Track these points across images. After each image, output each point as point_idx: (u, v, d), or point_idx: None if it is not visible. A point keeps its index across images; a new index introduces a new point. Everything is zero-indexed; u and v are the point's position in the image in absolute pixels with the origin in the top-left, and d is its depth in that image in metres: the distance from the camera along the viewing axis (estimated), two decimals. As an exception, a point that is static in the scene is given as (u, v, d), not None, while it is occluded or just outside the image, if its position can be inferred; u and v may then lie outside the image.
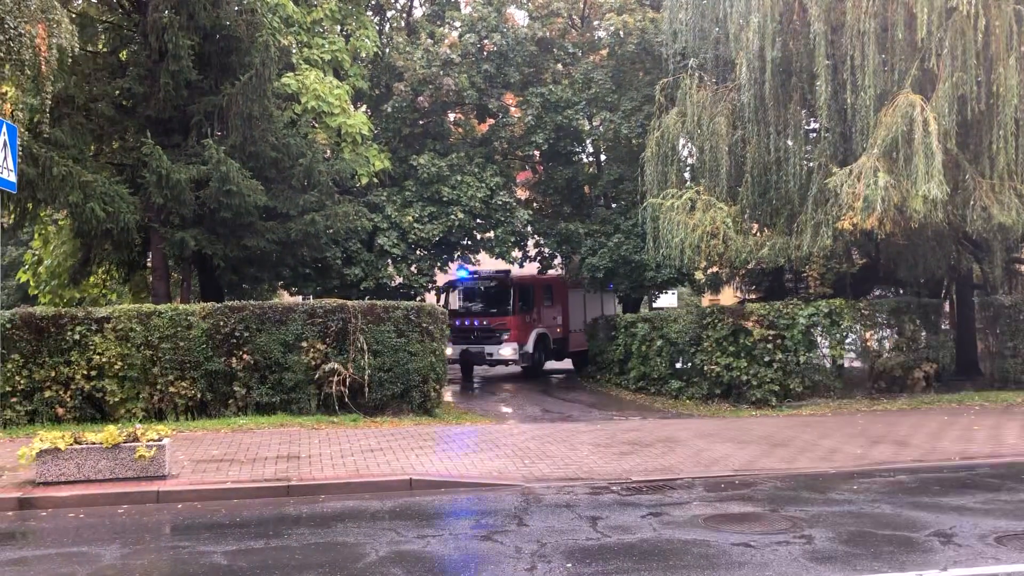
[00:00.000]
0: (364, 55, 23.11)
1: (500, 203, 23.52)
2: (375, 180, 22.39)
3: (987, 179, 15.50)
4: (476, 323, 25.88)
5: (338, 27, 22.74)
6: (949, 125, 15.02)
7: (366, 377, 14.93)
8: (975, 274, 19.54)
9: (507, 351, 25.55)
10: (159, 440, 10.14)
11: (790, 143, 17.93)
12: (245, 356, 14.59)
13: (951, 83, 15.02)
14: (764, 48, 17.10)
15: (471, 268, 26.92)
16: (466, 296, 27.14)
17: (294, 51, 20.93)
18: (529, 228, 26.61)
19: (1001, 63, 15.05)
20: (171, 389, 14.34)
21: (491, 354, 25.44)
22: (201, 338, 14.49)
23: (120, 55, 18.41)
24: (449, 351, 21.54)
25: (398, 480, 10.14)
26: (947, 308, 20.78)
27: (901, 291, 21.09)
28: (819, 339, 17.79)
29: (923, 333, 18.66)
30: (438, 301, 26.03)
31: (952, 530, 7.87)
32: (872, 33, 15.58)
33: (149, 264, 19.44)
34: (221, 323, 14.62)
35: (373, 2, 24.61)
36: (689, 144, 20.70)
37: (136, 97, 17.24)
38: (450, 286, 26.81)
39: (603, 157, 27.68)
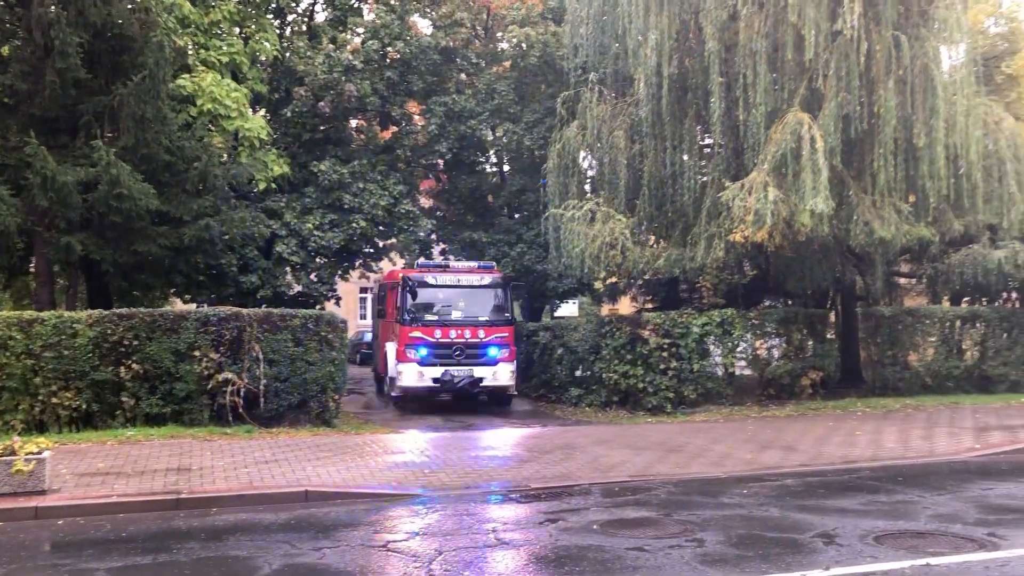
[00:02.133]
0: (264, 58, 22.64)
1: (403, 211, 23.37)
2: (274, 186, 21.92)
3: (869, 195, 16.25)
4: (459, 336, 19.59)
5: (237, 29, 22.22)
6: (835, 143, 15.70)
7: (262, 387, 14.60)
8: (858, 286, 20.48)
9: (505, 375, 19.66)
10: (39, 453, 9.68)
11: (685, 157, 18.47)
12: (134, 365, 14.07)
13: (836, 103, 15.72)
14: (661, 65, 17.56)
15: (441, 260, 22.23)
16: (435, 298, 20.20)
17: (190, 52, 20.34)
18: (433, 236, 26.56)
19: (881, 85, 15.83)
20: (54, 400, 13.70)
21: (481, 380, 19.40)
22: (87, 347, 13.91)
23: (2, 50, 17.54)
24: (416, 376, 19.18)
25: (293, 492, 9.95)
26: (832, 318, 21.67)
27: (790, 302, 21.91)
28: (712, 348, 18.34)
29: (810, 342, 19.44)
30: (385, 302, 21.46)
31: (835, 531, 8.20)
32: (763, 53, 16.17)
33: (32, 269, 18.55)
34: (109, 331, 14.07)
35: (273, 5, 24.17)
36: (589, 156, 21.09)
37: (20, 95, 16.43)
38: (409, 285, 19.74)
39: (506, 167, 27.86)
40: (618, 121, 19.31)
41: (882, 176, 15.96)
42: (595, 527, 8.49)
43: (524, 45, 24.50)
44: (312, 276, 23.32)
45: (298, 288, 23.31)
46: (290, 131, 23.29)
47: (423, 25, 26.70)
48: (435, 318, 19.78)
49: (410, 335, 19.40)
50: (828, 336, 20.41)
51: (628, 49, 18.78)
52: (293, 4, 24.94)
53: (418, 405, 19.96)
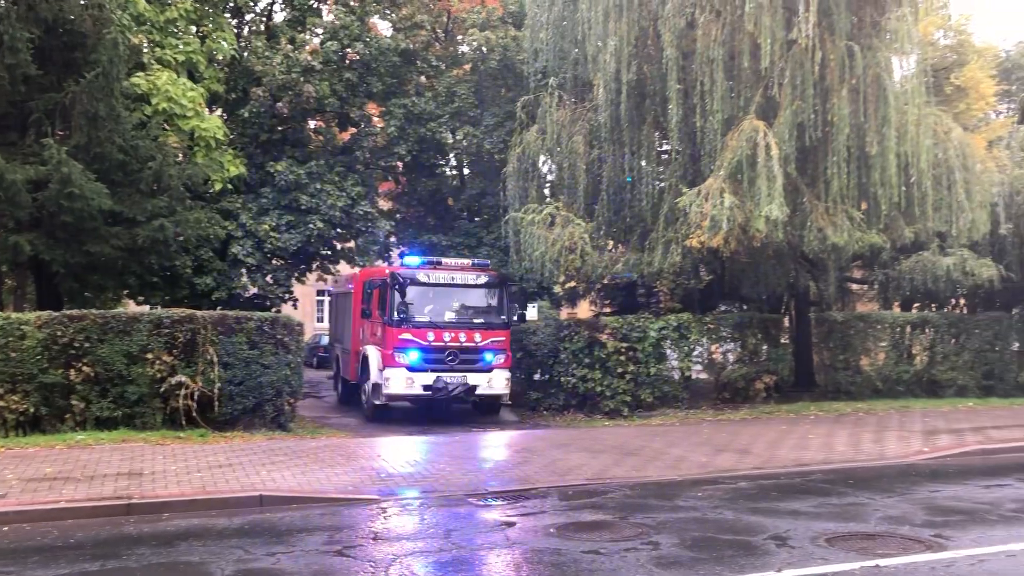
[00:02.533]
0: (221, 58, 22.37)
1: (361, 213, 23.21)
2: (230, 186, 21.66)
3: (823, 202, 16.52)
4: (453, 339, 18.00)
5: (193, 28, 21.94)
6: (789, 150, 15.93)
7: (216, 390, 14.39)
8: (812, 291, 20.80)
9: (500, 383, 18.28)
10: (-16, 458, 9.45)
11: (644, 163, 18.61)
12: (85, 368, 13.77)
13: (791, 111, 15.96)
14: (620, 71, 17.69)
15: (432, 258, 20.03)
16: (427, 298, 18.54)
17: (146, 50, 20.03)
18: (392, 239, 26.42)
19: (835, 94, 16.10)
20: (0, 403, 13.37)
21: (476, 387, 17.95)
22: (36, 349, 13.59)
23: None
24: (404, 383, 17.67)
25: (248, 496, 9.83)
26: (787, 323, 22.00)
27: (745, 307, 22.19)
28: (669, 352, 18.52)
29: (764, 347, 19.69)
30: (369, 301, 19.50)
31: (787, 533, 8.32)
32: (720, 60, 16.36)
33: (-22, 269, 18.13)
34: (59, 333, 13.75)
35: (231, 4, 23.89)
36: (549, 161, 21.16)
37: (-35, 90, 16.08)
38: (399, 282, 18.07)
39: (466, 170, 27.83)
40: (577, 126, 19.41)
41: (835, 183, 16.22)
42: (552, 531, 8.52)
43: (484, 49, 24.51)
44: (268, 278, 23.08)
45: (254, 290, 23.05)
46: (247, 131, 23.04)
47: (383, 27, 26.58)
48: (427, 319, 18.17)
49: (399, 337, 17.83)
50: (782, 341, 20.70)
51: (587, 55, 18.89)
52: (251, 3, 24.68)
53: (389, 412, 19.20)
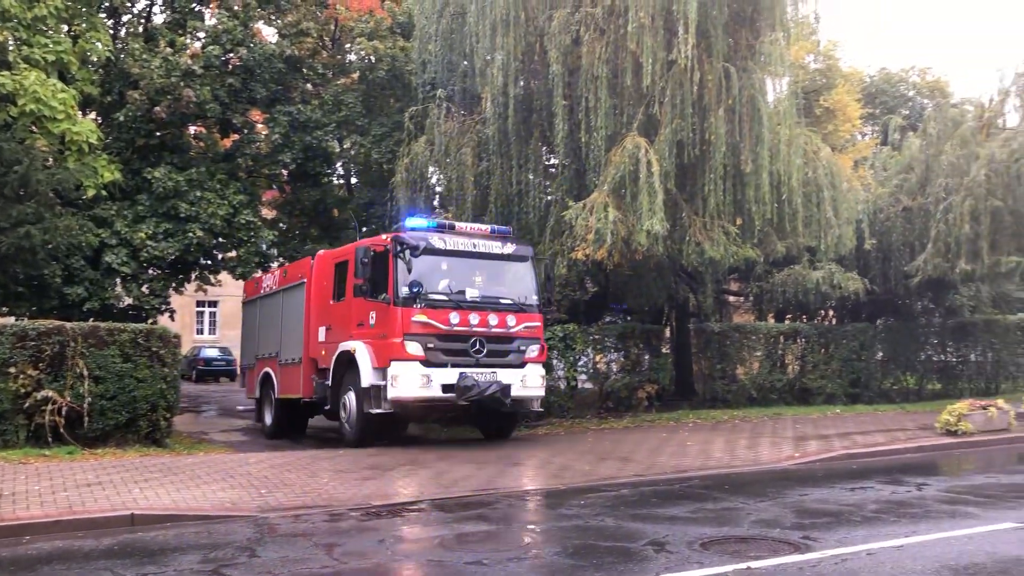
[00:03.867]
0: (96, 59, 21.46)
1: (243, 222, 22.65)
2: (104, 192, 20.77)
3: (700, 217, 17.09)
4: (480, 324, 14.52)
5: (65, 27, 20.97)
6: (670, 167, 16.42)
7: (86, 405, 13.74)
8: (691, 303, 21.47)
9: (535, 379, 15.04)
10: None
11: (531, 176, 18.85)
12: (-61, 384, 12.96)
13: (671, 129, 16.46)
14: (508, 85, 17.89)
15: (442, 220, 16.79)
16: (442, 270, 14.89)
17: (11, 48, 19.00)
18: (275, 250, 25.86)
19: (713, 113, 16.70)
20: None
21: (507, 389, 14.37)
22: None
23: None
24: (419, 381, 13.91)
25: (118, 516, 9.40)
26: (668, 334, 22.64)
27: (629, 317, 22.72)
28: (555, 362, 18.74)
29: (646, 357, 20.21)
30: (365, 279, 14.49)
31: (665, 539, 8.53)
32: (604, 78, 16.76)
33: None
34: (-90, 346, 12.90)
35: (107, 4, 22.96)
36: (438, 172, 21.16)
37: None
38: (406, 249, 14.36)
39: (354, 180, 27.54)
40: (466, 138, 19.49)
41: (712, 199, 16.80)
42: (436, 542, 8.49)
43: (372, 58, 24.36)
44: (144, 288, 22.25)
45: (128, 301, 22.18)
46: (123, 136, 22.18)
47: (268, 33, 26.08)
48: (444, 298, 14.42)
49: (412, 320, 13.99)
50: (663, 351, 21.29)
51: (476, 68, 19.02)
52: (128, 4, 23.81)
53: (256, 424, 18.26)
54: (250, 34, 23.74)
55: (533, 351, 14.97)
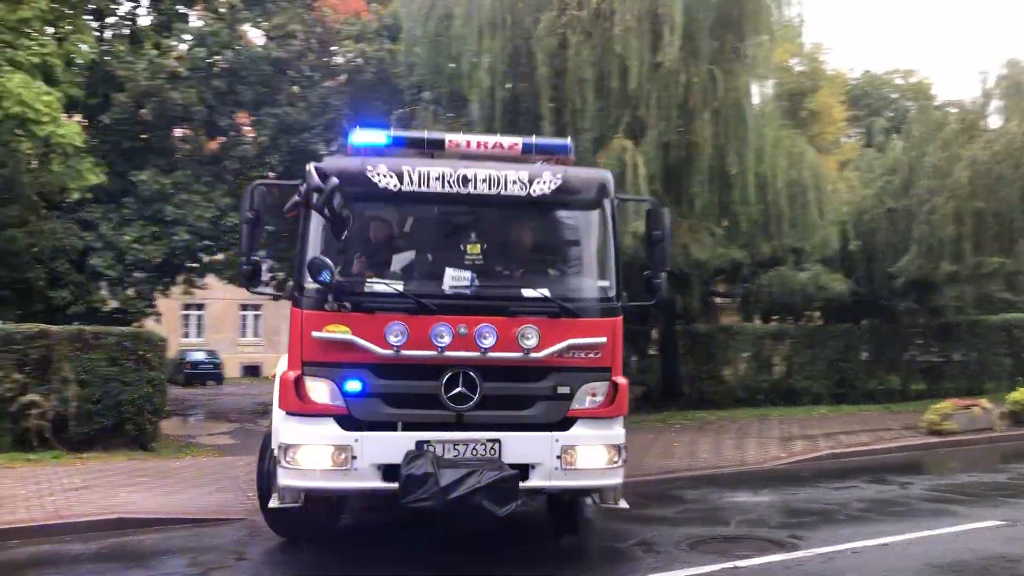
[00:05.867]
0: (81, 61, 21.35)
1: (230, 225, 22.58)
2: (89, 195, 20.66)
3: (687, 219, 17.11)
4: (460, 339, 7.01)
5: (50, 29, 20.86)
6: (656, 169, 16.42)
7: (72, 409, 13.70)
8: (678, 304, 21.53)
9: (591, 455, 7.47)
10: None
11: (519, 178, 18.81)
12: (-77, 388, 12.89)
13: (658, 131, 16.48)
14: (495, 88, 17.86)
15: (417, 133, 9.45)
16: (406, 234, 8.17)
17: (-5, 50, 18.93)
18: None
19: (699, 116, 16.74)
20: None
21: (508, 482, 6.86)
22: None
23: None
24: (336, 462, 6.87)
25: (105, 520, 9.39)
26: (654, 335, 22.68)
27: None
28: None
29: (634, 358, 20.28)
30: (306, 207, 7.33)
31: (653, 539, 8.59)
32: (591, 81, 16.76)
33: None
34: None
35: (92, 6, 22.85)
36: (425, 175, 21.07)
37: None
38: (324, 194, 6.82)
39: (340, 183, 27.45)
40: (453, 141, 19.45)
41: (699, 201, 16.83)
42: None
43: (360, 60, 24.32)
44: (130, 291, 22.15)
45: (114, 304, 22.05)
46: (109, 138, 22.07)
47: (254, 35, 26.01)
48: (388, 290, 7.19)
49: (317, 334, 7.08)
50: (650, 352, 21.35)
51: (463, 71, 18.99)
52: (113, 6, 23.71)
53: (241, 428, 18.50)
54: (236, 37, 23.68)
55: (590, 394, 7.42)
